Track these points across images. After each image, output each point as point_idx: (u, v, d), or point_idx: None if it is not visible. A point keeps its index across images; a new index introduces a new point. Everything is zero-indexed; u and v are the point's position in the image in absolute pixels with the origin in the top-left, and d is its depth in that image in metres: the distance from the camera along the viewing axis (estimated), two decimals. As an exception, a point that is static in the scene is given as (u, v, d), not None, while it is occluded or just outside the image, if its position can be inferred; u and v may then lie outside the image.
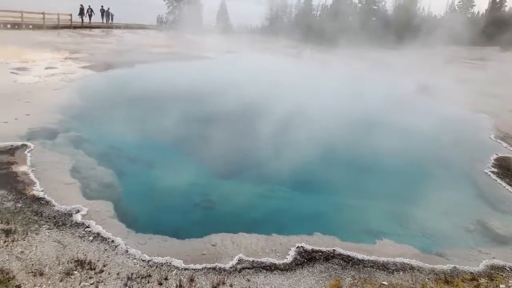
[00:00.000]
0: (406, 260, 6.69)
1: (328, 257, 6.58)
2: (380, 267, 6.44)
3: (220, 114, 14.88)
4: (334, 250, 6.78)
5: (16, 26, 29.99)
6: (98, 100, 14.93)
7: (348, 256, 6.66)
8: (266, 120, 13.72)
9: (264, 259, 6.35)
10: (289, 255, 6.55)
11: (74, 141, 10.59)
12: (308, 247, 6.81)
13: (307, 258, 6.49)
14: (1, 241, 6.00)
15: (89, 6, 35.85)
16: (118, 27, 37.86)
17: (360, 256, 6.69)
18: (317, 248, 6.81)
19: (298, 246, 6.80)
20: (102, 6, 38.36)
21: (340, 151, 12.37)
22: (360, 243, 7.22)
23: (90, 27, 35.56)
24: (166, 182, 9.40)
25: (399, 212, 8.87)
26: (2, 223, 6.42)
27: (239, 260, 6.29)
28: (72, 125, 11.77)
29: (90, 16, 36.11)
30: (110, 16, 38.79)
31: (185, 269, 5.96)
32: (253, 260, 6.30)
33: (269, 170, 10.33)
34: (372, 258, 6.69)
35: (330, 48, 34.54)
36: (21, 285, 5.21)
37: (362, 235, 7.81)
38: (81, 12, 35.19)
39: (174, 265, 6.00)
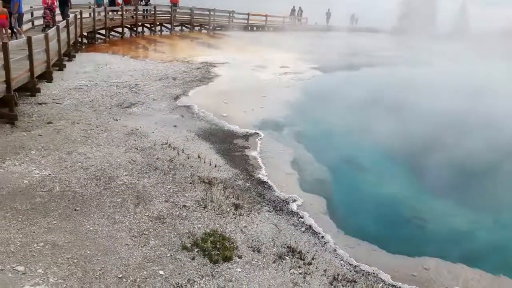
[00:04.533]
0: None
1: None
2: None
3: (448, 124, 13.46)
4: None
5: (260, 29, 34.27)
6: (322, 100, 15.62)
7: None
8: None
9: (488, 302, 5.42)
10: (522, 306, 5.41)
11: (296, 135, 11.36)
12: (551, 304, 5.47)
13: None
14: (231, 213, 6.88)
15: (300, 7, 37.30)
16: (352, 30, 38.22)
17: None
18: None
19: (537, 299, 5.54)
20: (328, 9, 39.17)
21: None
22: None
23: (319, 29, 37.15)
24: (378, 189, 9.10)
25: None
26: (233, 197, 7.37)
27: (455, 293, 5.54)
28: (296, 121, 12.64)
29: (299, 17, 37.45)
30: (354, 20, 39.75)
31: (392, 285, 5.62)
32: (474, 299, 5.45)
33: (503, 200, 8.76)
34: None
35: None
36: (242, 256, 5.84)
37: None
38: (292, 13, 37.04)
39: (381, 278, 5.73)
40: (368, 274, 5.79)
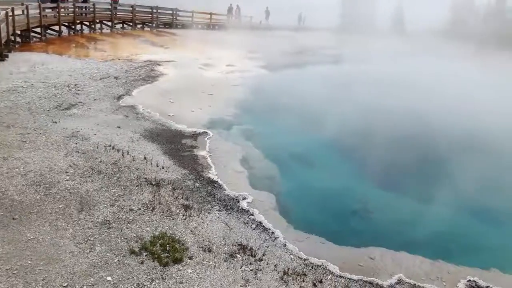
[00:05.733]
0: None
1: (508, 300, 5.62)
2: None
3: (388, 118, 14.13)
4: (516, 293, 5.76)
5: (205, 27, 34.00)
6: (269, 98, 15.81)
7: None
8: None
9: (427, 285, 5.77)
10: (457, 287, 5.81)
11: (245, 134, 11.43)
12: (483, 283, 5.94)
13: (480, 296, 5.65)
14: (180, 214, 6.79)
15: (237, 5, 36.62)
16: (298, 29, 38.53)
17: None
18: (494, 286, 5.88)
19: (470, 280, 6.00)
20: (267, 7, 38.95)
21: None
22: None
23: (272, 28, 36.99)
24: (325, 183, 9.39)
25: None
26: (183, 198, 7.28)
27: (398, 280, 5.86)
28: (244, 119, 12.71)
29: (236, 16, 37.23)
30: (302, 20, 40.20)
31: (340, 276, 5.82)
32: (415, 284, 5.79)
33: (440, 188, 9.35)
34: None
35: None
36: (193, 257, 5.79)
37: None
38: (229, 12, 36.83)
39: (329, 270, 5.91)
40: (317, 267, 5.96)
